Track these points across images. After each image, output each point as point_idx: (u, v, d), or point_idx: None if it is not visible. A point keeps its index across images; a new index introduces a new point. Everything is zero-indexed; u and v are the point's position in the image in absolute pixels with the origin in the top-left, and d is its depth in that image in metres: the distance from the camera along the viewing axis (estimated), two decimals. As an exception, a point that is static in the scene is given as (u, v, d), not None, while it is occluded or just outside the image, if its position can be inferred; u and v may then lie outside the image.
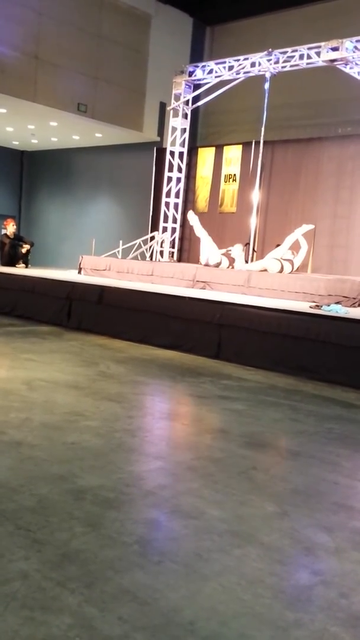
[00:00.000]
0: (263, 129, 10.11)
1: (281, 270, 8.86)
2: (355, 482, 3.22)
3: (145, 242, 12.07)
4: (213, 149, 13.07)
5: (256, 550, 2.33)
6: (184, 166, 12.13)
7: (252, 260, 10.24)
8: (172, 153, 12.01)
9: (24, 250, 11.32)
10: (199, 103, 11.86)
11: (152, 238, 12.23)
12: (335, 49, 9.29)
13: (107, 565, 2.15)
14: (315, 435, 3.97)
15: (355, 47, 9.38)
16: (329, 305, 6.67)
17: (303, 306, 6.83)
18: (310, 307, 6.78)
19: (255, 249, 10.71)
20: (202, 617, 1.90)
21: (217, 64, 11.22)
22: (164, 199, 12.06)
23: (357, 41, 9.35)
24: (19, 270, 10.28)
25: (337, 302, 7.04)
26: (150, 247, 12.10)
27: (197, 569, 2.17)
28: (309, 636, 1.84)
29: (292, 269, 9.09)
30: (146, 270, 9.38)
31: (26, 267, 11.25)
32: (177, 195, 12.13)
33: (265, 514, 2.67)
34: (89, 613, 1.88)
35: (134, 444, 3.51)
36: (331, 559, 2.31)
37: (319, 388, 5.44)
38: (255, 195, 10.23)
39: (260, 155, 10.44)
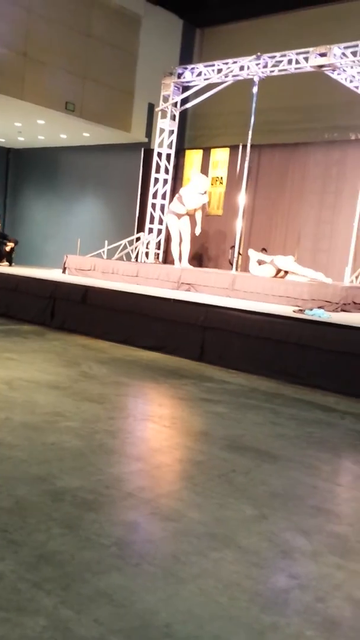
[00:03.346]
0: (250, 132, 10.14)
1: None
2: (333, 485, 3.24)
3: (130, 243, 12.05)
4: (200, 152, 13.10)
5: (234, 553, 2.34)
6: (171, 168, 12.14)
7: (237, 263, 10.27)
8: (159, 154, 12.01)
9: (7, 249, 11.25)
10: (188, 105, 11.88)
11: (138, 239, 12.22)
12: (323, 55, 9.35)
13: (84, 567, 2.14)
14: (296, 439, 3.99)
15: (343, 54, 9.45)
16: (312, 310, 6.70)
17: (287, 310, 6.87)
18: (294, 311, 6.82)
19: (241, 252, 10.74)
20: (179, 620, 1.90)
21: (206, 66, 11.24)
22: (150, 200, 12.06)
23: (345, 47, 9.42)
24: (3, 268, 10.21)
25: (320, 307, 7.09)
26: (135, 248, 12.09)
27: (174, 572, 2.17)
28: (285, 640, 1.84)
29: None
30: (131, 271, 9.36)
31: (10, 265, 11.18)
32: (163, 197, 12.12)
33: (244, 517, 2.68)
34: (65, 615, 1.87)
35: (115, 445, 3.50)
36: (308, 563, 2.32)
37: (300, 392, 5.47)
38: (242, 199, 10.26)
39: (248, 158, 10.48)
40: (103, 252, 11.38)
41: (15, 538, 2.28)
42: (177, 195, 10.13)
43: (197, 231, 10.06)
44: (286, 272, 9.00)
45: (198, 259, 12.06)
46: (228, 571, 2.20)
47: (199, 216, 10.02)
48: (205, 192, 9.89)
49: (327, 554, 2.39)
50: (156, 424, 4.17)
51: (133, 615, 1.91)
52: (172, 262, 10.99)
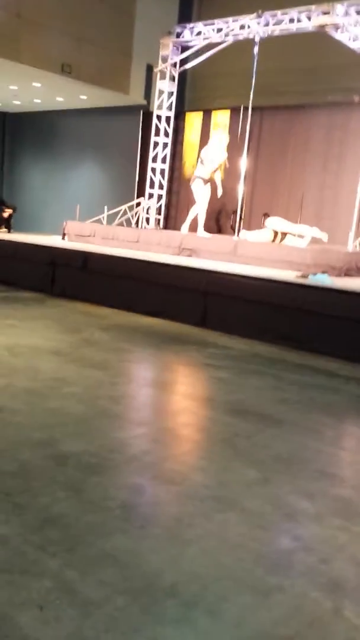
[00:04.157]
0: (252, 94, 9.91)
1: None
2: (337, 450, 3.24)
3: (130, 208, 11.91)
4: (201, 114, 12.85)
5: (238, 516, 2.34)
6: (170, 131, 11.91)
7: (239, 228, 10.15)
8: (158, 117, 11.78)
9: (6, 215, 11.12)
10: (187, 66, 11.59)
11: (138, 204, 12.08)
12: (326, 13, 9.08)
13: (88, 530, 2.14)
14: (299, 404, 3.98)
15: (347, 12, 9.18)
16: (315, 275, 6.64)
17: (289, 275, 6.80)
18: (297, 276, 6.75)
19: (243, 217, 10.61)
20: (183, 580, 1.91)
21: (205, 25, 10.93)
22: (150, 165, 11.87)
23: (348, 5, 9.14)
24: (1, 235, 10.11)
25: (324, 272, 7.02)
26: (136, 213, 11.95)
27: (178, 534, 2.17)
28: (290, 601, 1.85)
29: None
30: (132, 237, 9.27)
31: (8, 231, 11.07)
32: (163, 161, 11.93)
33: (248, 480, 2.68)
34: (70, 576, 1.87)
35: (118, 410, 3.49)
36: (312, 525, 2.32)
37: (303, 357, 5.45)
38: (243, 163, 10.09)
39: (249, 121, 10.27)
40: (103, 217, 11.25)
41: (19, 501, 2.28)
42: (199, 159, 9.87)
43: (219, 192, 9.81)
44: (284, 234, 8.89)
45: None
46: (232, 533, 2.21)
47: (218, 178, 9.78)
48: (225, 150, 9.65)
49: (330, 517, 2.39)
50: (159, 390, 4.16)
51: (138, 576, 1.91)
52: (172, 228, 10.85)
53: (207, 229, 10.04)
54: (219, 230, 11.75)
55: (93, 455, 2.76)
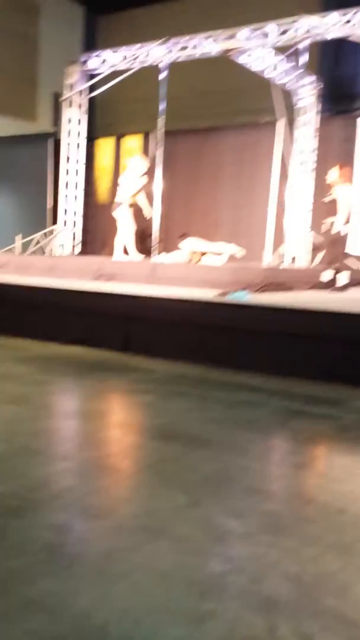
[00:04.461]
0: (161, 118, 10.06)
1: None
2: (264, 465, 3.25)
3: (45, 236, 11.75)
4: (112, 140, 12.92)
5: (168, 543, 2.28)
6: (82, 158, 11.89)
7: (157, 251, 10.20)
8: (68, 144, 11.74)
9: None
10: (94, 93, 11.65)
11: (52, 232, 11.93)
12: (230, 38, 9.38)
13: (10, 577, 2.02)
14: (224, 422, 3.98)
15: (249, 36, 9.51)
16: (234, 293, 6.74)
17: (209, 294, 6.87)
18: (216, 295, 6.83)
19: (161, 239, 10.69)
20: (114, 619, 1.83)
21: (111, 53, 11.05)
22: (63, 192, 11.78)
23: (250, 30, 9.47)
24: None
25: (243, 289, 7.14)
26: (50, 241, 11.80)
27: (107, 570, 2.09)
28: (223, 625, 1.81)
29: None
30: (47, 265, 9.12)
31: None
32: (76, 188, 11.88)
33: (176, 505, 2.63)
34: (-9, 631, 1.75)
35: (39, 446, 3.37)
36: (242, 545, 2.30)
37: (227, 375, 5.49)
38: (157, 186, 10.18)
39: (161, 145, 10.40)
40: (16, 247, 11.03)
41: None
42: (118, 186, 9.87)
43: (148, 214, 9.81)
44: (201, 254, 9.03)
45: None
46: (162, 562, 2.15)
47: (142, 200, 9.77)
48: (144, 174, 9.68)
49: (260, 534, 2.38)
50: (82, 420, 4.06)
51: (66, 620, 1.82)
52: (88, 253, 10.75)
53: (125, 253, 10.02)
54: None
55: (12, 496, 2.63)
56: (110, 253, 10.05)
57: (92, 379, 5.18)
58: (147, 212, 9.80)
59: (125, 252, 9.73)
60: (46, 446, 3.39)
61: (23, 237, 11.28)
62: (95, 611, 1.86)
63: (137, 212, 9.87)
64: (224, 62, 10.56)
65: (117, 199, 9.77)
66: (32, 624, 1.79)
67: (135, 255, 9.65)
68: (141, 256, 9.58)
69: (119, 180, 9.88)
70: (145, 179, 9.68)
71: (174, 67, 10.35)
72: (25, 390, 4.58)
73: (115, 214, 9.62)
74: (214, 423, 3.96)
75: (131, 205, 9.60)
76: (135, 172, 9.59)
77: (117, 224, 9.63)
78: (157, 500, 2.67)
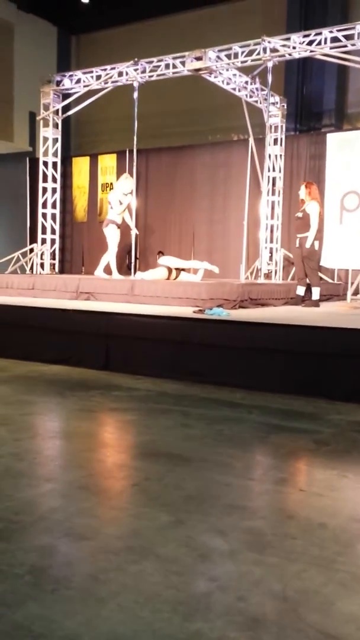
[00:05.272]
0: (135, 137, 10.17)
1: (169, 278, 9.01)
2: (245, 481, 3.29)
3: (24, 255, 11.73)
4: (88, 158, 13.00)
5: (153, 564, 2.31)
6: (58, 176, 11.94)
7: (135, 269, 10.25)
8: (45, 163, 11.78)
9: None
10: (69, 113, 11.74)
11: (32, 250, 11.92)
12: (199, 59, 9.55)
13: (-3, 602, 2.03)
14: (206, 439, 4.02)
15: (218, 57, 9.70)
16: (211, 309, 6.82)
17: (187, 311, 6.94)
18: (194, 311, 6.90)
19: (138, 256, 10.75)
20: (101, 642, 1.85)
21: (84, 73, 11.16)
22: (40, 210, 11.80)
23: (219, 51, 9.67)
24: None
25: (219, 305, 7.22)
26: (29, 259, 11.78)
27: (93, 592, 2.11)
28: (209, 645, 1.84)
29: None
30: (27, 284, 9.11)
31: None
32: (54, 206, 11.90)
33: (161, 524, 2.65)
34: (-21, 658, 1.76)
35: (22, 468, 3.37)
36: (226, 563, 2.33)
37: (207, 391, 5.54)
38: (132, 204, 10.26)
39: (135, 164, 10.50)
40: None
41: None
42: (109, 204, 9.94)
43: (134, 232, 9.97)
44: (178, 271, 9.12)
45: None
46: (148, 583, 2.17)
47: (128, 218, 9.91)
48: (130, 193, 9.75)
49: (244, 551, 2.42)
50: (65, 441, 4.07)
51: (54, 645, 1.83)
52: (68, 272, 10.75)
53: (107, 270, 10.08)
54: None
55: (-3, 520, 2.64)
56: (89, 272, 10.09)
57: (74, 398, 5.19)
58: (133, 229, 9.95)
59: (108, 269, 9.81)
60: (30, 468, 3.39)
61: (2, 256, 11.26)
62: (81, 635, 1.88)
63: (124, 230, 9.96)
64: (197, 81, 10.73)
65: (108, 217, 9.85)
66: (19, 650, 1.80)
67: (116, 275, 9.72)
68: (121, 277, 9.65)
69: (109, 198, 9.95)
70: (130, 197, 9.76)
71: (148, 86, 10.49)
72: (7, 411, 4.57)
73: (106, 231, 9.69)
74: (196, 440, 3.99)
75: (119, 226, 9.71)
76: (122, 190, 9.68)
77: (107, 240, 9.72)
78: (141, 520, 2.70)
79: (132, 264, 10.29)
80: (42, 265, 11.73)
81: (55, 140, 11.64)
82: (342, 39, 8.90)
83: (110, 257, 9.79)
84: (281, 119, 11.08)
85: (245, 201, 10.63)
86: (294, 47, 9.29)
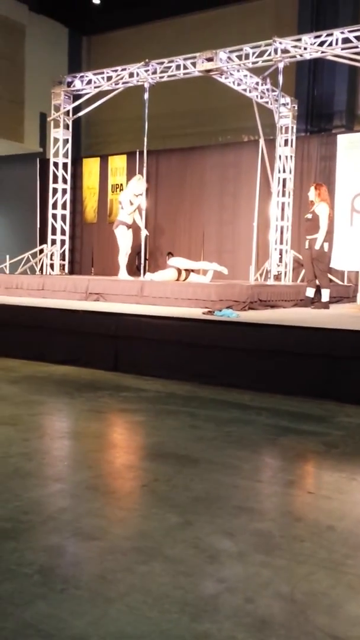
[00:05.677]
0: (145, 138, 10.18)
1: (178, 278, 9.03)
2: (254, 483, 3.29)
3: (34, 255, 11.78)
4: (98, 159, 13.04)
5: (161, 564, 2.31)
6: (69, 177, 11.98)
7: (144, 270, 10.27)
8: (55, 164, 11.83)
9: None
10: (80, 114, 11.77)
11: (41, 251, 11.97)
12: (210, 60, 9.55)
13: (6, 600, 2.04)
14: (215, 440, 4.02)
15: (229, 58, 9.70)
16: (220, 310, 6.81)
17: (196, 312, 6.94)
18: (203, 312, 6.90)
19: (147, 257, 10.77)
20: (110, 642, 1.85)
21: (95, 74, 11.19)
22: (50, 211, 11.84)
23: (230, 52, 9.67)
24: None
25: (228, 307, 7.22)
26: (39, 260, 11.83)
27: (102, 592, 2.12)
28: (217, 646, 1.84)
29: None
30: (36, 285, 9.14)
31: None
32: (64, 207, 11.94)
33: (169, 525, 2.66)
34: (-12, 656, 1.77)
35: (31, 468, 3.38)
36: (235, 564, 2.33)
37: (216, 392, 5.54)
38: (143, 205, 10.28)
39: (145, 164, 10.52)
40: (5, 267, 11.05)
41: None
42: (120, 204, 9.99)
43: (144, 233, 10.04)
44: (187, 272, 9.13)
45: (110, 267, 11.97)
46: (156, 584, 2.18)
47: (138, 219, 9.95)
48: (141, 194, 9.79)
49: (252, 553, 2.42)
50: (74, 441, 4.08)
51: (62, 644, 1.84)
52: (77, 273, 10.79)
53: (114, 271, 10.10)
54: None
55: (6, 519, 2.65)
56: (98, 272, 10.13)
57: (83, 398, 5.20)
58: (143, 230, 9.99)
59: (130, 269, 9.92)
60: (39, 468, 3.41)
61: (13, 257, 11.31)
62: (90, 635, 1.88)
63: (134, 230, 10.00)
64: (208, 82, 10.73)
65: (118, 218, 9.88)
66: (28, 648, 1.81)
67: (125, 275, 9.75)
68: (130, 278, 9.68)
69: (120, 198, 9.98)
70: (142, 199, 9.78)
71: (158, 87, 10.50)
72: (16, 412, 4.59)
73: (117, 231, 9.71)
74: (204, 441, 4.00)
75: (130, 226, 9.73)
76: (133, 191, 9.70)
77: (118, 241, 9.76)
78: (150, 521, 2.70)
79: (142, 265, 10.31)
80: (51, 265, 11.78)
81: (65, 141, 11.69)
82: (354, 40, 8.88)
83: (120, 257, 9.84)
84: (292, 120, 11.08)
85: (255, 202, 10.62)
86: (305, 48, 9.28)
